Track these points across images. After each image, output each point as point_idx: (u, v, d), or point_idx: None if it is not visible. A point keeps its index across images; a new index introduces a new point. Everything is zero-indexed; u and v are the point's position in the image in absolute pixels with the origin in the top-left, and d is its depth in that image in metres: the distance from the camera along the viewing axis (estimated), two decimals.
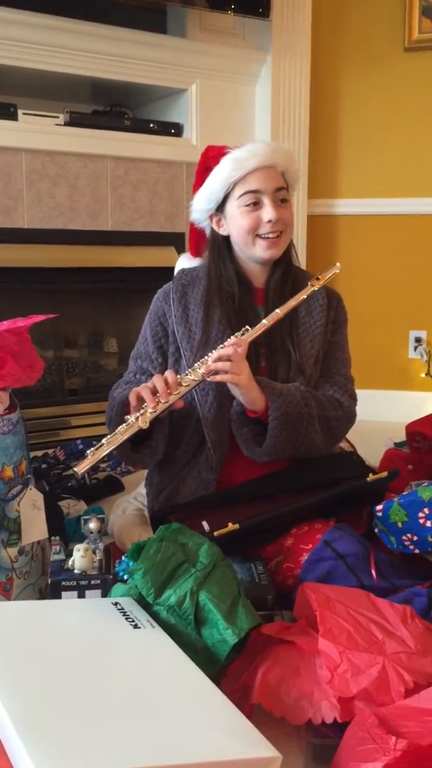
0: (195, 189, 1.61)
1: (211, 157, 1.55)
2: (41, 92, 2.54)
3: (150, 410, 1.38)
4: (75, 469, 1.36)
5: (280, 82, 2.75)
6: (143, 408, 1.39)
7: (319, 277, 1.54)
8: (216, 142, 2.61)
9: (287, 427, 1.42)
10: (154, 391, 1.40)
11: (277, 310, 1.49)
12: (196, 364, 1.45)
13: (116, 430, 1.39)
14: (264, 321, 1.48)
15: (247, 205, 1.49)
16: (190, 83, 2.64)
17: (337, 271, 1.57)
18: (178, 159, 2.63)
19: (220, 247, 1.57)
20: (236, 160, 1.48)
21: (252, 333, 1.47)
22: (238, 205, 1.50)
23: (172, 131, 2.64)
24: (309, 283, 1.53)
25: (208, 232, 1.61)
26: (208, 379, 1.41)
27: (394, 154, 2.95)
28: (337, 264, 1.59)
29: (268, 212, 1.49)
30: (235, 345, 1.42)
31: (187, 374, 1.43)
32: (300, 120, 2.82)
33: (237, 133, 2.73)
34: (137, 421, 1.38)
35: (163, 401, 1.39)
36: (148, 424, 1.38)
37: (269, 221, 1.49)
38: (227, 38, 2.70)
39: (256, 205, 1.49)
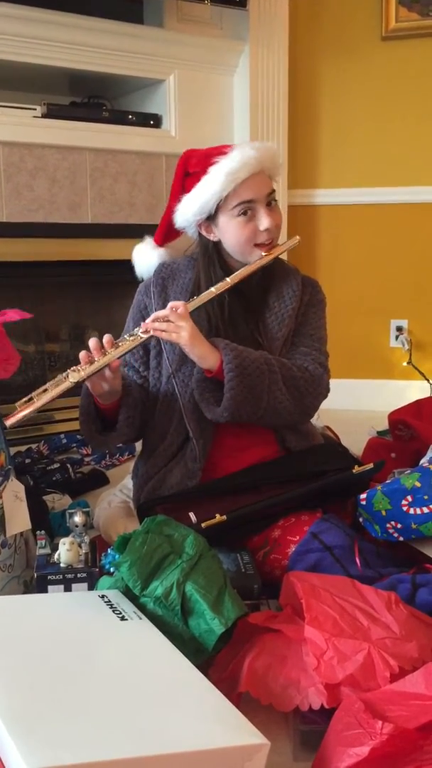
0: (174, 193, 1.58)
1: (194, 163, 1.53)
2: (18, 84, 2.52)
3: (83, 367, 1.39)
4: (6, 422, 1.36)
5: (258, 72, 2.74)
6: (77, 367, 1.40)
7: (275, 247, 1.55)
8: (195, 132, 2.63)
9: (245, 380, 1.42)
10: (89, 354, 1.42)
11: (227, 279, 1.50)
12: (135, 329, 1.47)
13: (45, 385, 1.40)
14: (212, 289, 1.50)
15: (241, 216, 1.49)
16: (167, 74, 2.63)
17: (295, 243, 1.59)
18: (157, 150, 2.62)
19: (210, 252, 1.56)
20: (229, 173, 1.46)
21: (198, 300, 1.48)
22: (231, 215, 1.50)
23: (151, 122, 2.63)
24: (262, 253, 1.53)
25: (189, 233, 1.60)
26: (147, 336, 1.44)
27: (373, 143, 2.96)
28: (296, 237, 1.61)
29: (264, 222, 1.49)
30: (172, 307, 1.44)
31: (125, 337, 1.45)
32: (278, 110, 2.81)
33: (216, 124, 2.73)
34: (68, 377, 1.39)
35: (96, 359, 1.40)
36: (78, 380, 1.39)
37: (266, 230, 1.50)
38: (204, 28, 2.68)
39: (250, 214, 1.49)
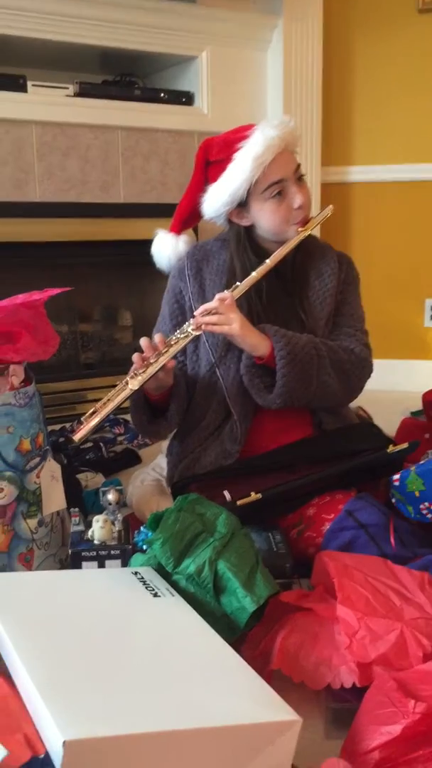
0: (195, 183, 1.58)
1: (216, 151, 1.52)
2: (50, 63, 2.52)
3: (139, 371, 1.39)
4: (73, 437, 1.38)
5: (292, 47, 2.70)
6: (134, 371, 1.40)
7: (308, 221, 1.53)
8: (227, 110, 2.61)
9: (296, 366, 1.42)
10: (143, 356, 1.41)
11: (267, 261, 1.49)
12: (185, 324, 1.46)
13: (107, 395, 1.41)
14: (254, 273, 1.49)
15: (273, 197, 1.48)
16: (200, 50, 2.60)
17: (329, 213, 1.57)
18: (189, 128, 2.60)
19: (243, 238, 1.55)
20: (255, 157, 1.44)
21: (242, 286, 1.48)
22: (263, 199, 1.49)
23: (183, 100, 2.61)
24: (297, 230, 1.51)
25: (219, 222, 1.59)
26: (199, 333, 1.44)
27: (409, 119, 2.90)
28: (330, 206, 1.58)
29: (297, 199, 1.49)
30: (220, 298, 1.43)
31: (176, 335, 1.45)
32: (312, 86, 2.77)
33: (249, 101, 2.70)
34: (126, 384, 1.40)
35: (152, 361, 1.40)
36: (138, 386, 1.39)
37: (299, 207, 1.49)
38: (237, 3, 2.64)
39: (282, 193, 1.48)
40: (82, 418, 1.40)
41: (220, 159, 1.50)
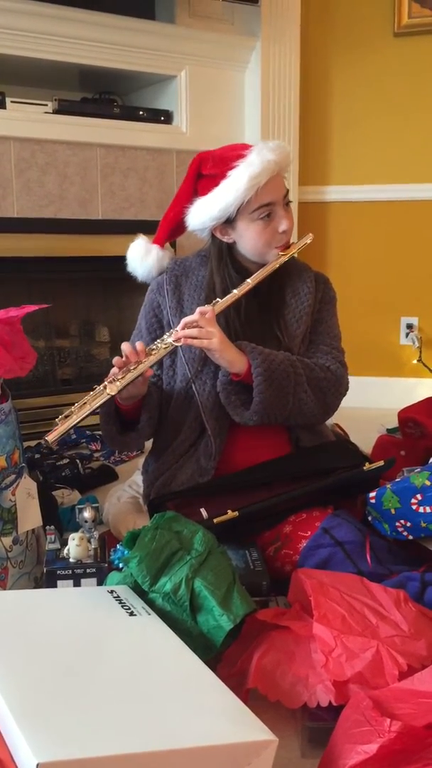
0: (183, 194, 1.58)
1: (210, 166, 1.52)
2: (29, 80, 2.52)
3: (119, 378, 1.39)
4: (47, 438, 1.36)
5: (270, 68, 2.74)
6: (112, 377, 1.40)
7: (290, 246, 1.55)
8: (206, 129, 2.64)
9: (272, 384, 1.43)
10: (123, 361, 1.41)
11: (248, 280, 1.50)
12: (165, 335, 1.47)
13: (84, 399, 1.40)
14: (234, 291, 1.50)
15: (261, 219, 1.49)
16: (179, 70, 2.62)
17: (308, 241, 1.59)
18: (167, 146, 2.62)
19: (224, 255, 1.56)
20: (251, 177, 1.45)
21: (222, 303, 1.48)
22: (251, 219, 1.49)
23: (162, 118, 2.63)
24: (278, 253, 1.53)
25: (201, 235, 1.60)
26: (179, 344, 1.44)
27: (384, 139, 2.94)
28: (310, 234, 1.60)
29: (283, 224, 1.50)
30: (201, 312, 1.44)
31: (156, 344, 1.45)
32: (290, 106, 2.81)
33: (227, 120, 2.73)
34: (105, 389, 1.39)
35: (132, 368, 1.39)
36: (116, 392, 1.39)
37: (284, 231, 1.50)
38: (216, 24, 2.68)
39: (270, 216, 1.49)
40: (57, 420, 1.38)
41: (213, 174, 1.51)
